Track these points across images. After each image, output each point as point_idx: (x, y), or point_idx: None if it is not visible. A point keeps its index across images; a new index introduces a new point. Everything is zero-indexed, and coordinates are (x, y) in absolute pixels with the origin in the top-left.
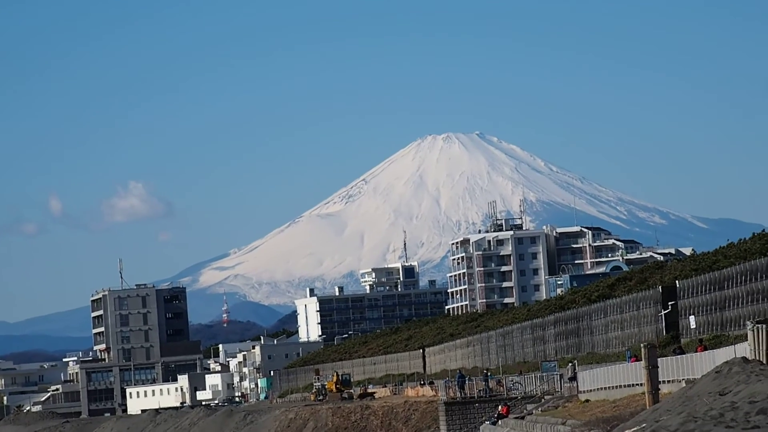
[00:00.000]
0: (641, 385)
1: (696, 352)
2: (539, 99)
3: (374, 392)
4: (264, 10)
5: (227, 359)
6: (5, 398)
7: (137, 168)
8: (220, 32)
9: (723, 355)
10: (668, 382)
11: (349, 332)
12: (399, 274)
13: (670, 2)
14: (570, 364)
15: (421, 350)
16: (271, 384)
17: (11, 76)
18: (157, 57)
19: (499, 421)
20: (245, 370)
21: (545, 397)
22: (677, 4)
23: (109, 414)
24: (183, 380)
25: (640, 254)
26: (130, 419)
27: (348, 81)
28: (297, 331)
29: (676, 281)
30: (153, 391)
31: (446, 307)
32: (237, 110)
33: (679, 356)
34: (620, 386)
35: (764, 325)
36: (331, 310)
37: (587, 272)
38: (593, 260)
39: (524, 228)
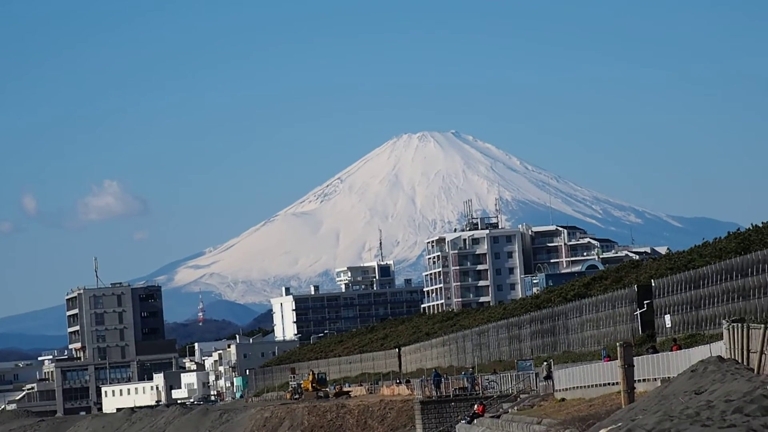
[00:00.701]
0: (617, 384)
1: (671, 351)
2: (515, 97)
3: (350, 391)
4: (237, 13)
5: (203, 358)
6: None
7: (112, 166)
8: (194, 35)
9: (698, 354)
10: (644, 380)
11: (325, 331)
12: (375, 273)
13: None
14: (545, 363)
15: (396, 349)
16: (246, 383)
17: None
18: (133, 58)
19: (475, 420)
20: (221, 368)
21: (521, 395)
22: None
23: (84, 413)
24: (158, 379)
25: (616, 253)
26: (105, 418)
27: (323, 80)
28: (273, 330)
29: (652, 280)
30: (128, 389)
31: (422, 306)
32: (212, 110)
33: (654, 355)
34: (596, 385)
35: (739, 324)
36: (306, 308)
37: (563, 271)
38: (569, 259)
39: (500, 227)
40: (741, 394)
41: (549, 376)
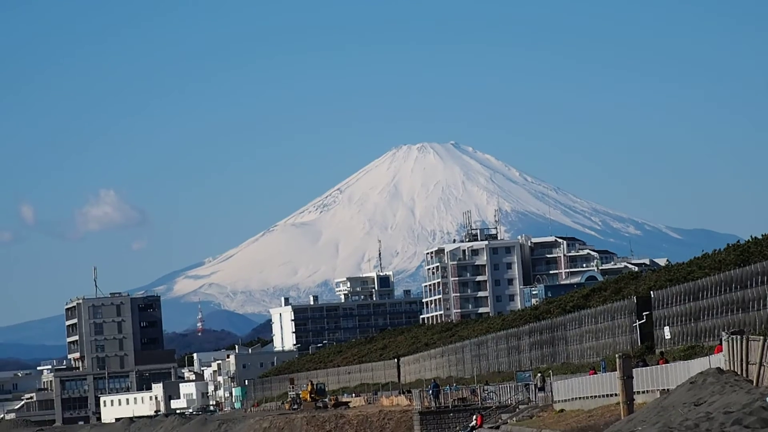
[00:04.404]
0: (616, 395)
1: (658, 364)
2: (515, 109)
3: (349, 401)
4: (235, 24)
5: (202, 368)
6: None
7: (110, 176)
8: (191, 45)
9: (698, 365)
10: (643, 392)
11: (324, 341)
12: (374, 284)
13: (646, 6)
14: (539, 375)
15: (395, 360)
16: (245, 393)
17: None
18: (130, 68)
19: (474, 431)
20: (220, 379)
21: (520, 406)
22: (653, 8)
23: (83, 422)
24: (157, 389)
25: (615, 264)
26: (104, 428)
27: (322, 91)
28: (272, 340)
29: (651, 292)
30: (127, 399)
31: (421, 317)
32: (210, 120)
33: (650, 367)
34: (595, 396)
35: (739, 336)
36: (305, 319)
37: (562, 282)
38: (568, 270)
39: (499, 238)
40: (740, 406)
41: (542, 388)
